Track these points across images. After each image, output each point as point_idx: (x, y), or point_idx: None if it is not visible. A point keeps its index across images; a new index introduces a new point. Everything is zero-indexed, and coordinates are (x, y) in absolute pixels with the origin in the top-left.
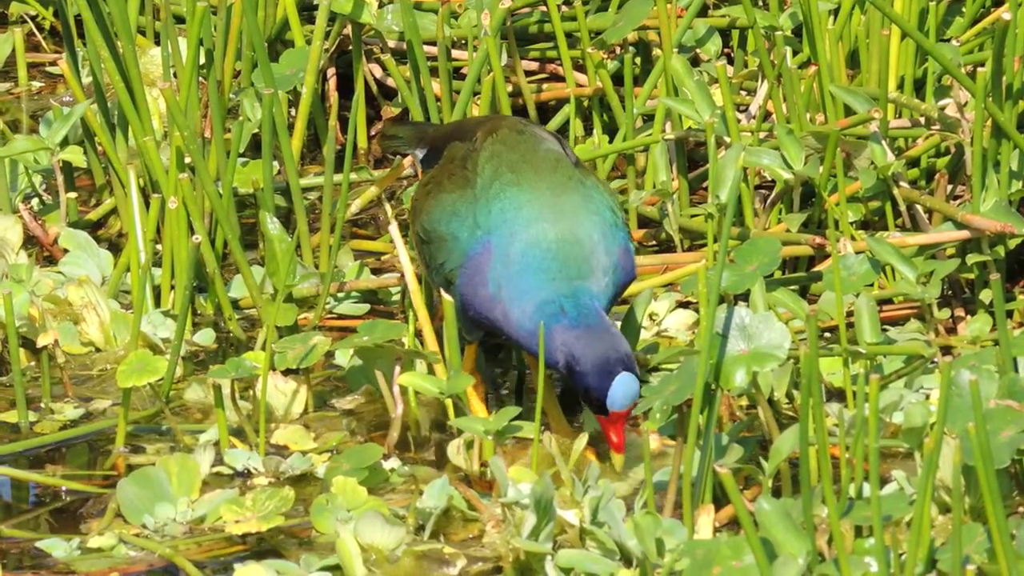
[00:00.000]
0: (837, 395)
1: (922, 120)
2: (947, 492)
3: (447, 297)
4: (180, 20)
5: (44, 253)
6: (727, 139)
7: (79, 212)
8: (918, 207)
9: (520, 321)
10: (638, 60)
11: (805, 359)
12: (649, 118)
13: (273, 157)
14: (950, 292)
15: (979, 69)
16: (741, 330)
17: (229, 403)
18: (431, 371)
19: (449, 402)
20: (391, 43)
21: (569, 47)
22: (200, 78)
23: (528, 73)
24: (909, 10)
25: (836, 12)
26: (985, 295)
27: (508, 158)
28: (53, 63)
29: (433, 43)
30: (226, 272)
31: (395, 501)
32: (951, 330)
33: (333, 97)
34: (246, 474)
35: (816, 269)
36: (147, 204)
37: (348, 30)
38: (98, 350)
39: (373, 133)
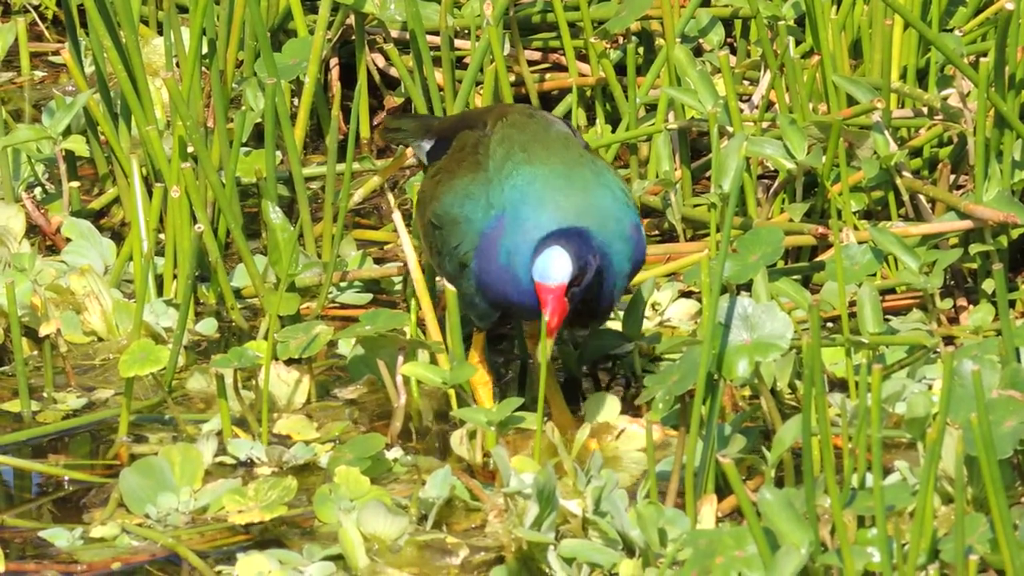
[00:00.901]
0: (839, 385)
1: (925, 110)
2: (950, 482)
3: (450, 287)
4: (183, 9)
5: (47, 242)
6: (730, 129)
7: (82, 201)
8: (921, 197)
9: (525, 275)
10: (641, 50)
11: (807, 349)
12: (652, 108)
13: (276, 146)
14: (952, 282)
15: (982, 59)
16: (744, 320)
17: (232, 393)
18: (434, 361)
19: (452, 392)
20: (394, 33)
21: (572, 37)
22: (203, 67)
23: (531, 63)
24: (912, 0)
25: (839, 2)
26: (988, 285)
27: (519, 139)
28: (56, 52)
29: (436, 33)
30: (229, 261)
31: (398, 491)
32: (953, 320)
33: (336, 87)
34: (249, 464)
35: (819, 259)
36: (150, 193)
37: (351, 20)
38: (100, 339)
39: (376, 123)
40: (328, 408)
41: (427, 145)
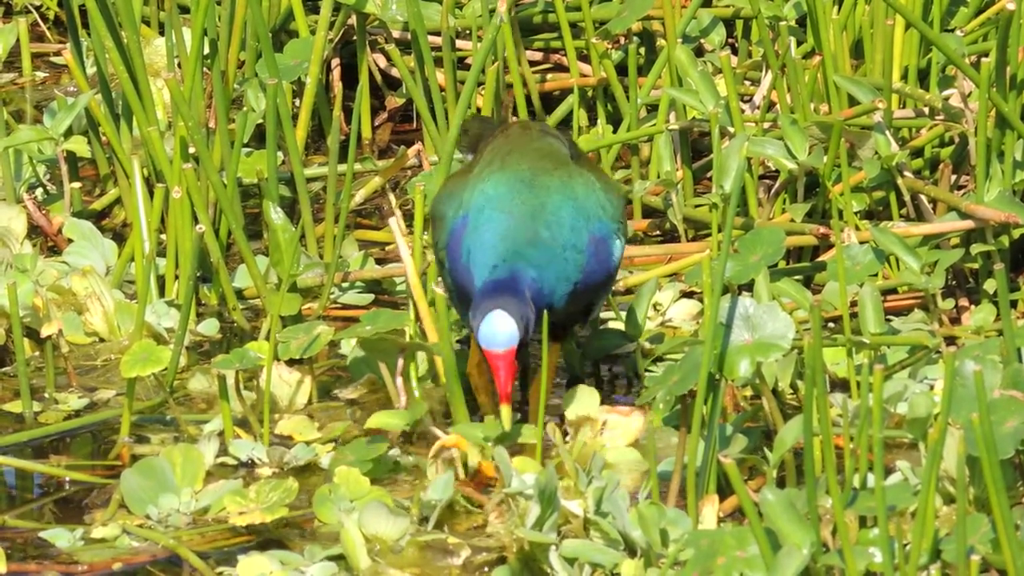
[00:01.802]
0: (841, 385)
1: (926, 110)
2: (951, 482)
3: (439, 290)
4: (184, 10)
5: (48, 243)
6: (731, 129)
7: (83, 202)
8: (922, 197)
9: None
10: (642, 50)
11: (809, 349)
12: (653, 108)
13: (277, 147)
14: (954, 282)
15: (983, 59)
16: (745, 320)
17: (233, 393)
18: (433, 364)
19: (457, 393)
20: (395, 33)
21: (573, 37)
22: (204, 68)
23: (532, 63)
24: (913, 0)
25: (840, 2)
26: (989, 285)
27: (504, 148)
28: (57, 53)
29: (437, 33)
30: (230, 262)
31: (399, 492)
32: (955, 320)
33: (337, 87)
34: (250, 464)
35: (820, 259)
36: (151, 194)
37: (352, 20)
38: (102, 340)
39: (377, 123)
40: (329, 408)
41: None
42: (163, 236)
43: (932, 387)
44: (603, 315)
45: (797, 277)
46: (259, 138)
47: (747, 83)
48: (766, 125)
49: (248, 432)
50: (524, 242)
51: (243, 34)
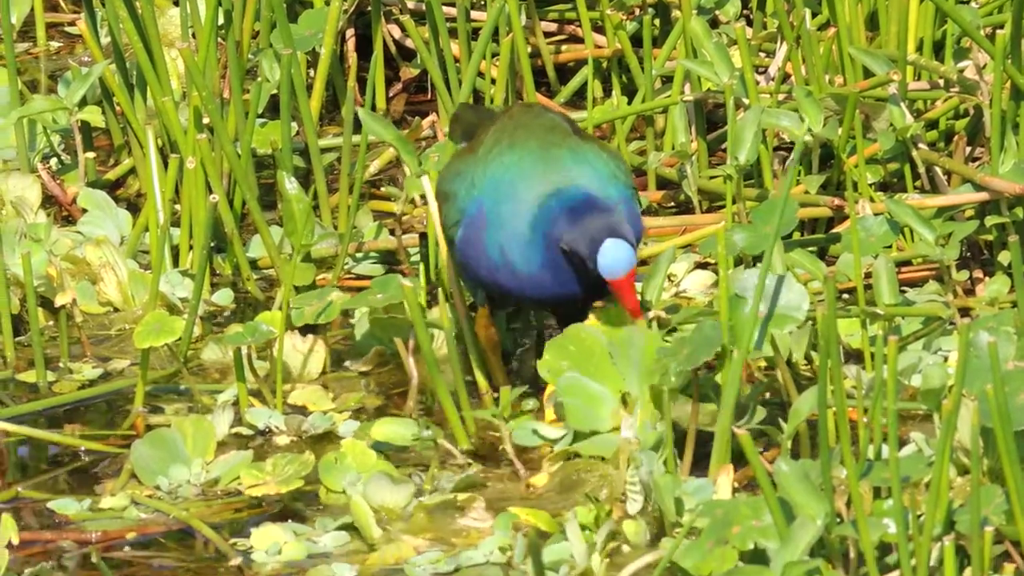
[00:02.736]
0: (855, 357)
1: (941, 82)
2: (965, 454)
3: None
4: None
5: (63, 213)
6: (746, 101)
7: (97, 172)
8: (937, 169)
9: (532, 272)
10: (657, 22)
11: (823, 321)
12: (668, 80)
13: (292, 118)
14: (968, 254)
15: (998, 31)
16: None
17: (246, 363)
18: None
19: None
20: (410, 4)
21: (588, 8)
22: (219, 38)
23: (547, 34)
24: None
25: None
26: (1003, 257)
27: (509, 127)
28: (72, 23)
29: (452, 4)
30: (244, 232)
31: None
32: (969, 292)
33: (352, 58)
34: (267, 432)
35: (835, 231)
36: (165, 164)
37: None
38: (116, 310)
39: (392, 94)
40: (343, 378)
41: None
42: (177, 206)
43: (946, 359)
44: None
45: (811, 248)
46: (273, 108)
47: (762, 55)
48: (781, 97)
49: (261, 402)
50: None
51: (257, 4)
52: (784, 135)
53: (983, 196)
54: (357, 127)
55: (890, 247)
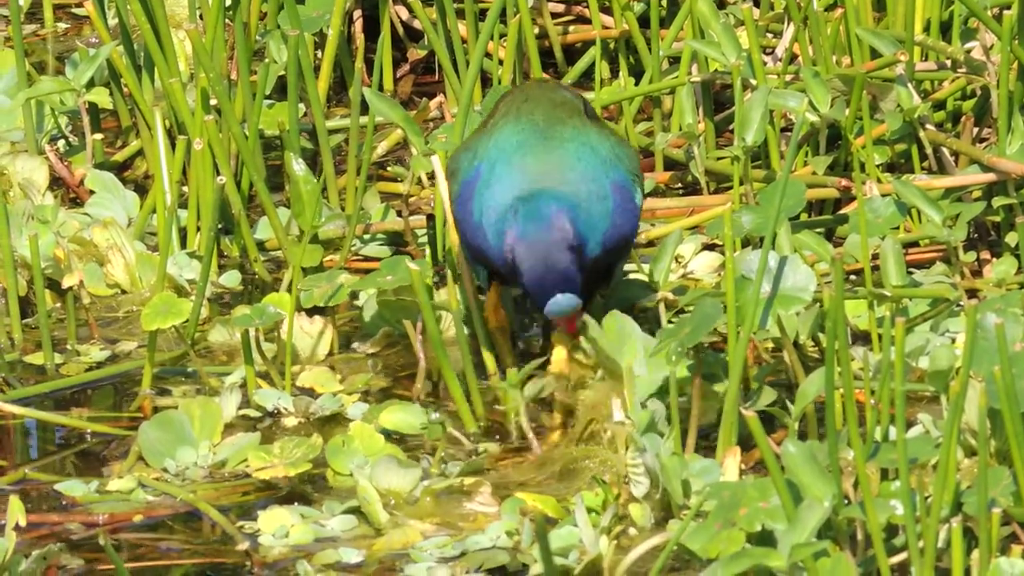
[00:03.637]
0: (862, 338)
1: (948, 63)
2: (973, 435)
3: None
4: None
5: (70, 194)
6: (753, 82)
7: (105, 153)
8: (944, 150)
9: (496, 242)
10: (664, 2)
11: (830, 302)
12: (675, 60)
13: (299, 99)
14: (976, 235)
15: (1005, 12)
16: (766, 273)
17: (254, 345)
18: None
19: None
20: None
21: None
22: (226, 20)
23: (554, 15)
24: None
25: None
26: (1011, 238)
27: (518, 101)
28: (79, 4)
29: None
30: (252, 214)
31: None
32: (977, 273)
33: (359, 39)
34: (275, 414)
35: (842, 212)
36: (173, 146)
37: None
38: (124, 292)
39: (399, 75)
40: (351, 360)
41: None
42: (185, 188)
43: (954, 340)
44: (626, 267)
45: (819, 230)
46: (281, 90)
47: (769, 35)
48: (788, 77)
49: (269, 384)
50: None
51: None
52: (792, 116)
53: (990, 177)
54: (364, 108)
55: (897, 228)
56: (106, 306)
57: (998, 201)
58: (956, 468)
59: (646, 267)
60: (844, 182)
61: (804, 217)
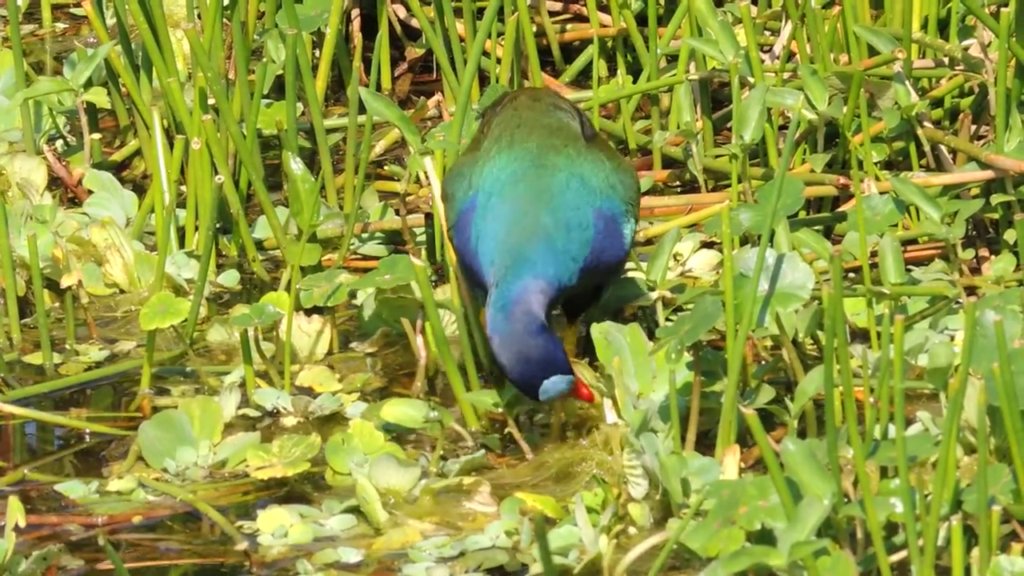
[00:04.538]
0: (861, 336)
1: (946, 60)
2: (972, 433)
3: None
4: None
5: (68, 194)
6: (751, 79)
7: (103, 153)
8: (942, 147)
9: (488, 270)
10: (662, 0)
11: (829, 300)
12: (673, 58)
13: (297, 98)
14: (974, 232)
15: (1003, 9)
16: (765, 270)
17: (253, 345)
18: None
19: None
20: None
21: None
22: (224, 19)
23: (552, 13)
24: None
25: None
26: (1009, 235)
27: (513, 123)
28: (77, 4)
29: None
30: (250, 213)
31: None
32: (975, 270)
33: (357, 38)
34: (274, 413)
35: (840, 209)
36: (171, 145)
37: None
38: (122, 291)
39: (397, 74)
40: (350, 359)
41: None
42: (183, 187)
43: (952, 337)
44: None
45: (817, 227)
46: (279, 89)
47: (767, 33)
48: (786, 75)
49: (268, 384)
50: (526, 235)
51: None
52: (790, 114)
53: (988, 174)
54: (362, 107)
55: (896, 226)
56: (105, 306)
57: (996, 198)
58: (956, 466)
59: (644, 265)
60: (842, 180)
61: (802, 215)
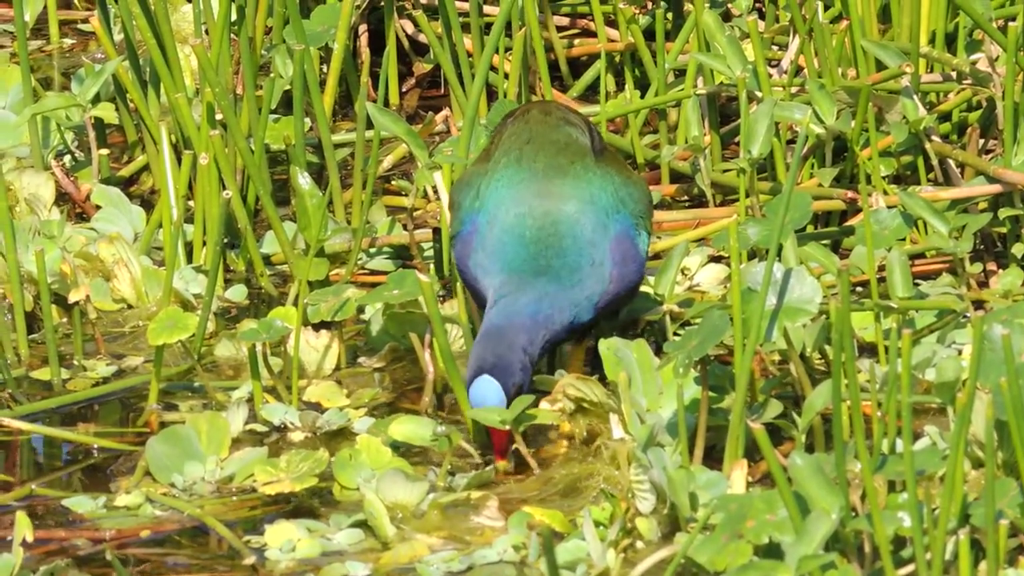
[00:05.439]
0: (869, 350)
1: (953, 74)
2: (980, 447)
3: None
4: None
5: (76, 210)
6: (759, 94)
7: (111, 169)
8: (950, 161)
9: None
10: (670, 15)
11: (837, 314)
12: (681, 73)
13: (305, 113)
14: (982, 246)
15: (1010, 23)
16: (772, 285)
17: (261, 360)
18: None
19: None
20: None
21: (601, 2)
22: (232, 34)
23: (560, 28)
24: None
25: None
26: (1017, 249)
27: (523, 137)
28: (85, 20)
29: None
30: (258, 228)
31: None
32: (983, 284)
33: (365, 53)
34: (282, 429)
35: (848, 223)
36: (179, 160)
37: None
38: (130, 306)
39: (405, 89)
40: (357, 374)
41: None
42: (191, 202)
43: (960, 351)
44: None
45: (825, 241)
46: (287, 104)
47: (774, 48)
48: (794, 90)
49: (276, 399)
50: (531, 273)
51: (270, 0)
52: (798, 128)
53: (996, 188)
54: (370, 122)
55: (904, 240)
56: (112, 321)
57: (1004, 212)
58: (963, 480)
59: (652, 279)
60: (850, 194)
61: (810, 229)
